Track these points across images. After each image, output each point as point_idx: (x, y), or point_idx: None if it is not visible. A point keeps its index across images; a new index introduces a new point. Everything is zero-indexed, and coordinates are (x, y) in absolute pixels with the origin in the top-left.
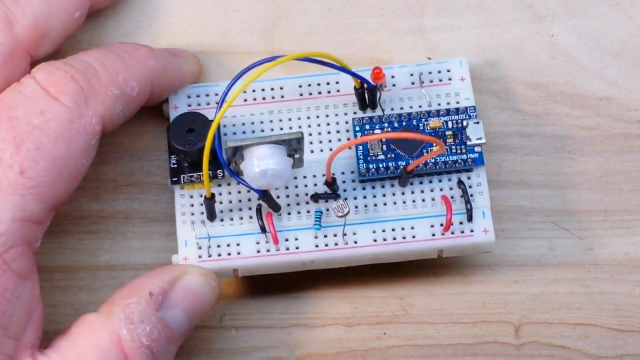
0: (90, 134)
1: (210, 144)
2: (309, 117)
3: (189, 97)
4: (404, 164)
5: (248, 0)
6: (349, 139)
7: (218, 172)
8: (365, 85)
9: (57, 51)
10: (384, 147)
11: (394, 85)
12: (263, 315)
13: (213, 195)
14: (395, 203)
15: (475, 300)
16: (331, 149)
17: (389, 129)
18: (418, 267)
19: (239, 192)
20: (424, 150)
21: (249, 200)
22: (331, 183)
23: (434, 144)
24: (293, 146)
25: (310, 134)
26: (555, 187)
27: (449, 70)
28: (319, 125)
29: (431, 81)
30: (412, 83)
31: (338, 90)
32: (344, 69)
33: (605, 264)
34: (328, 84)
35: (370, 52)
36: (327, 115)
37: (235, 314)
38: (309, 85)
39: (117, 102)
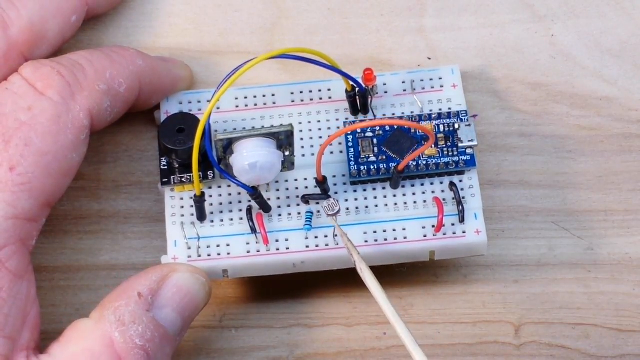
0: (78, 128)
1: (200, 136)
2: (300, 123)
3: (180, 103)
4: (395, 165)
5: (248, 0)
6: (340, 144)
7: (208, 173)
8: (357, 89)
9: (55, 54)
10: (375, 149)
11: (385, 92)
12: (263, 315)
13: (203, 193)
14: (386, 205)
15: (475, 300)
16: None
17: (381, 132)
18: (418, 267)
19: (230, 194)
20: None
21: (240, 202)
22: (322, 181)
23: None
24: (283, 140)
25: (302, 139)
26: (555, 187)
27: (440, 78)
28: (310, 130)
29: (423, 88)
30: (404, 90)
31: (330, 97)
32: (334, 69)
33: (605, 264)
34: (320, 90)
35: (370, 52)
36: (319, 121)
37: (235, 314)
38: (301, 92)
39: (105, 97)
